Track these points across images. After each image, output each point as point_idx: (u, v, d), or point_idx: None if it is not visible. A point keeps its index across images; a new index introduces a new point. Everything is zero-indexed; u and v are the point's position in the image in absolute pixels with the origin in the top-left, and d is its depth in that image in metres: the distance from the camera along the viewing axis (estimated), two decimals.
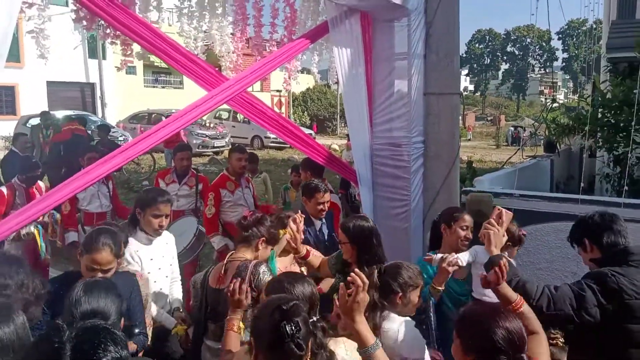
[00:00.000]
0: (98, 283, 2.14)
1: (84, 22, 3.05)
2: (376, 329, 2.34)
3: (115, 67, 4.53)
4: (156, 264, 3.43)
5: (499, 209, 2.52)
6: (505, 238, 2.52)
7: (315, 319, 1.87)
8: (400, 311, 2.54)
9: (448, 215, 3.41)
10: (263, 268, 2.87)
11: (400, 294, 2.52)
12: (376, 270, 2.58)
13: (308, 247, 3.38)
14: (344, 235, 2.99)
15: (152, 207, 3.32)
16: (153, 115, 19.72)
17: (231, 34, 3.45)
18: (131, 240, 3.37)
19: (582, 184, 4.46)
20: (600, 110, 6.20)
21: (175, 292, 3.66)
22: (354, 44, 4.45)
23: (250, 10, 3.60)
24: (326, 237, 4.27)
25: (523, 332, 1.73)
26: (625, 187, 4.58)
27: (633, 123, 4.86)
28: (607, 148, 6.14)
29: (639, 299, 2.28)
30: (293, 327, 1.70)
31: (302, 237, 3.26)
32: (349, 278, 1.97)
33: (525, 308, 2.12)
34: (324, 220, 4.30)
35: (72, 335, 1.30)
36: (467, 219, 3.35)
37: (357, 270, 2.00)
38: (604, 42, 8.15)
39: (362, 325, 1.92)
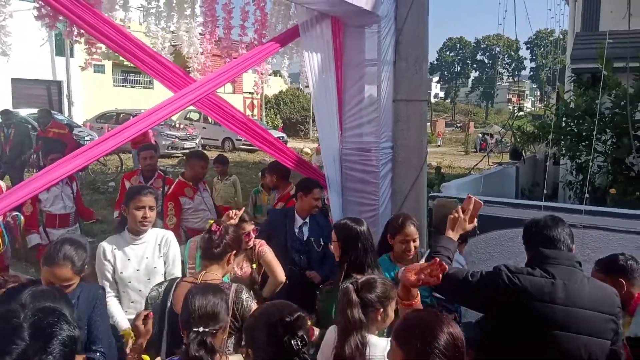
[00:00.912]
0: (45, 292, 2.07)
1: (47, 20, 2.96)
2: (360, 354, 2.22)
3: (80, 66, 4.42)
4: (134, 265, 3.26)
5: (469, 197, 2.56)
6: (472, 226, 2.56)
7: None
8: (378, 328, 2.47)
9: (392, 226, 3.43)
10: (245, 294, 2.67)
11: (381, 309, 2.42)
12: (351, 286, 2.42)
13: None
14: (334, 233, 3.08)
15: (135, 199, 3.23)
16: (121, 115, 19.32)
17: (200, 34, 3.41)
18: (114, 238, 3.31)
19: (545, 191, 4.57)
20: (563, 119, 6.37)
21: None
22: (325, 49, 4.47)
23: (220, 12, 3.57)
24: (304, 238, 4.24)
25: (463, 338, 1.71)
26: (586, 195, 4.70)
27: (594, 132, 5.01)
28: (570, 156, 6.31)
29: (529, 299, 2.30)
30: (299, 342, 1.64)
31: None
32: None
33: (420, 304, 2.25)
34: (307, 220, 4.27)
35: (29, 315, 1.37)
36: (409, 231, 3.32)
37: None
38: (568, 53, 8.40)
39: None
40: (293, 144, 26.32)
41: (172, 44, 3.25)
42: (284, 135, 25.44)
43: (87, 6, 2.89)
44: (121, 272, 3.23)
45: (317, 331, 2.81)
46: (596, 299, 2.34)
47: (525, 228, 2.63)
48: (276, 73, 5.72)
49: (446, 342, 1.63)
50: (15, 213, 4.95)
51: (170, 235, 3.44)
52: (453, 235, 2.53)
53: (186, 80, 3.26)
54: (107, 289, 3.21)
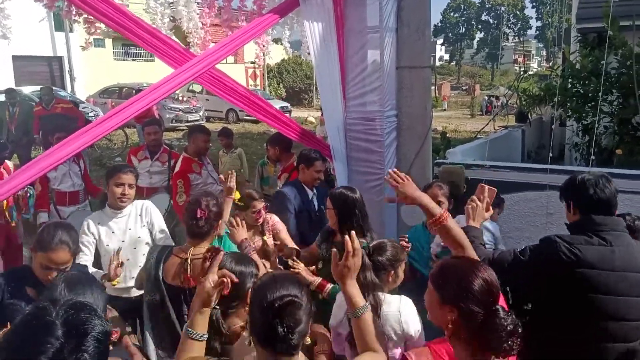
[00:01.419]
0: (79, 277, 2.12)
1: (45, 1, 2.94)
2: (376, 312, 2.35)
3: (80, 46, 4.40)
4: (118, 237, 3.45)
5: (482, 186, 2.56)
6: (490, 213, 2.57)
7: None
8: (389, 288, 2.59)
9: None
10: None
11: (392, 271, 2.57)
12: (364, 250, 2.50)
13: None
14: (329, 201, 3.23)
15: (114, 177, 3.41)
16: (124, 90, 19.25)
17: (199, 8, 3.37)
18: (97, 214, 3.51)
19: (550, 154, 4.56)
20: (569, 80, 6.29)
21: None
22: (326, 18, 4.41)
23: None
24: (316, 208, 4.32)
25: (498, 284, 1.76)
26: (592, 157, 4.69)
27: (600, 93, 4.96)
28: (576, 117, 6.26)
29: (582, 267, 2.30)
30: (285, 329, 1.61)
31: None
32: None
33: (451, 221, 2.21)
34: (315, 191, 4.34)
35: (62, 312, 1.33)
36: (434, 193, 3.45)
37: (352, 234, 2.00)
38: (573, 13, 8.22)
39: (354, 288, 1.97)
40: (297, 113, 26.20)
41: (172, 19, 3.22)
42: (287, 104, 25.29)
43: None
44: (107, 245, 3.41)
45: (329, 286, 2.94)
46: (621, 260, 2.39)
47: (573, 187, 2.52)
48: (277, 41, 5.62)
49: (480, 287, 1.69)
50: (27, 188, 5.00)
51: (148, 203, 3.64)
52: (475, 223, 2.50)
53: (186, 55, 3.25)
54: (83, 255, 3.34)
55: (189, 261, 2.76)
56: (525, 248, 2.47)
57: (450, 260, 1.95)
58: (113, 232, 3.45)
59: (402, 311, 2.45)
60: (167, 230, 3.68)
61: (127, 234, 3.48)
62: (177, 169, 5.06)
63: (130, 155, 5.55)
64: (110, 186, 3.42)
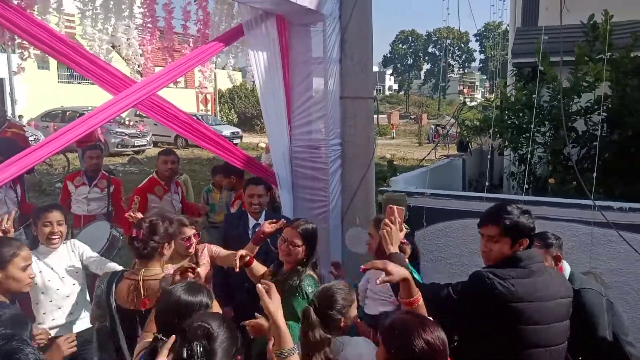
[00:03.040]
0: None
1: None
2: None
3: (13, 71, 4.27)
4: (58, 274, 3.41)
5: (391, 207, 2.59)
6: (403, 233, 2.59)
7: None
8: (345, 330, 2.53)
9: None
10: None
11: (342, 318, 2.48)
12: (311, 308, 2.42)
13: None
14: (300, 237, 3.05)
15: (41, 218, 3.36)
16: (67, 113, 18.70)
17: (139, 36, 3.35)
18: (33, 253, 3.34)
19: (487, 183, 4.75)
20: (506, 112, 6.61)
21: None
22: (271, 47, 4.47)
23: (160, 12, 3.52)
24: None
25: (445, 346, 1.79)
26: (526, 186, 4.92)
27: (532, 125, 5.23)
28: (513, 148, 6.56)
29: (519, 301, 2.35)
30: (185, 352, 1.63)
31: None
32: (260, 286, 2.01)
33: (421, 303, 2.23)
34: (261, 221, 4.15)
35: None
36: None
37: (263, 281, 2.04)
38: (510, 48, 8.69)
39: (283, 326, 1.98)
40: (249, 138, 26.13)
41: (110, 46, 3.18)
42: (238, 130, 25.20)
43: (19, 10, 2.79)
44: (48, 281, 3.35)
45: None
46: (565, 287, 2.54)
47: (510, 224, 2.50)
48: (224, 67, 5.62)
49: (421, 350, 1.72)
50: None
51: (74, 241, 3.63)
52: (394, 247, 2.50)
53: (126, 82, 3.21)
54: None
55: (141, 283, 2.74)
56: (457, 284, 2.50)
57: (400, 316, 1.98)
58: (52, 269, 3.39)
59: (363, 355, 2.35)
60: (97, 254, 3.67)
61: (63, 270, 3.43)
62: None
63: (67, 181, 5.37)
64: (39, 228, 3.37)
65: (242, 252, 3.03)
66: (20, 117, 19.02)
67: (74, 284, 3.46)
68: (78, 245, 3.59)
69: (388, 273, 2.19)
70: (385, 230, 2.52)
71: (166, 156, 5.07)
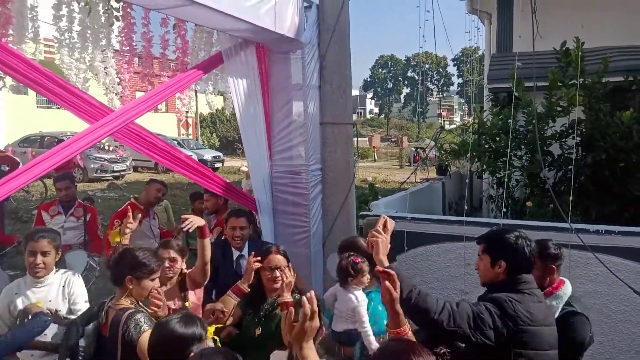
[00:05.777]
0: None
1: None
2: None
3: None
4: (43, 307, 3.18)
5: (384, 217, 2.54)
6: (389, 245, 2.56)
7: None
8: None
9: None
10: (138, 316, 2.55)
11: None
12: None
13: None
14: (284, 258, 3.20)
15: (27, 244, 3.21)
16: (46, 139, 18.41)
17: (116, 65, 3.35)
18: (19, 281, 3.27)
19: (466, 207, 4.79)
20: (483, 137, 6.71)
21: None
22: (250, 75, 4.51)
23: (139, 40, 3.53)
24: (242, 272, 3.79)
25: None
26: (504, 209, 4.97)
27: (508, 150, 5.31)
28: (490, 171, 6.64)
29: (532, 325, 2.36)
30: None
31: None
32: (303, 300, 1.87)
33: (410, 335, 2.18)
34: (244, 252, 4.12)
35: None
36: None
37: (311, 295, 1.89)
38: (485, 74, 8.87)
39: (311, 352, 1.86)
40: (231, 162, 26.04)
41: (87, 75, 3.16)
42: (220, 154, 25.13)
43: None
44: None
45: None
46: (551, 314, 2.57)
47: (505, 246, 2.53)
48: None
49: None
50: None
51: (71, 275, 3.39)
52: (383, 257, 2.44)
53: (103, 110, 3.19)
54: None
55: (105, 309, 2.72)
56: (478, 303, 2.46)
57: (391, 343, 1.94)
58: (36, 303, 3.19)
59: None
60: (86, 302, 3.44)
61: (46, 306, 3.19)
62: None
63: (41, 210, 5.22)
64: (26, 254, 3.20)
65: (219, 307, 3.01)
66: None
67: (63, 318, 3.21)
68: (73, 283, 3.35)
69: (395, 289, 2.15)
70: (374, 239, 2.46)
71: (161, 185, 5.16)
